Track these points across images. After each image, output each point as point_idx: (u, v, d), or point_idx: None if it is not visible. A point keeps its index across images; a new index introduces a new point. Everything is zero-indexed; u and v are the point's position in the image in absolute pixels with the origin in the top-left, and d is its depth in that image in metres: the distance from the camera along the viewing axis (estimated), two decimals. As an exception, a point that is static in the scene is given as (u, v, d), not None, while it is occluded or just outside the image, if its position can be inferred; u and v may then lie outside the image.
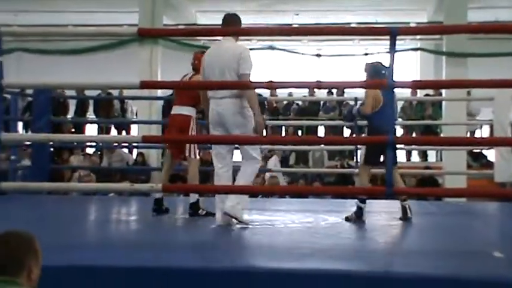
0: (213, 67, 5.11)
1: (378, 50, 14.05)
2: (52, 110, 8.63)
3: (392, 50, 4.20)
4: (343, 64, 16.03)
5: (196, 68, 5.83)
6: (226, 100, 5.07)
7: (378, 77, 5.54)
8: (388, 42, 4.18)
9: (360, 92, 9.68)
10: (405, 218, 5.58)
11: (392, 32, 4.16)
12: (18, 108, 9.61)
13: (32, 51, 13.38)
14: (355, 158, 9.39)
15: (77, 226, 5.27)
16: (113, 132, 13.12)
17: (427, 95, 12.34)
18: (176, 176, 11.24)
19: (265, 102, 13.08)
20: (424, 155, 13.23)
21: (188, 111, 5.86)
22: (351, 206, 6.74)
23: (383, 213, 6.37)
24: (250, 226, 5.00)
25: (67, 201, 7.46)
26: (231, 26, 5.15)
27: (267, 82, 5.06)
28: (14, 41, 12.16)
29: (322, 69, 16.47)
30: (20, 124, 10.55)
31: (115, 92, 12.20)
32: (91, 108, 13.44)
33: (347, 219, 5.58)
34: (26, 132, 10.82)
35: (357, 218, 5.56)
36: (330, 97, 12.63)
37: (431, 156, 13.43)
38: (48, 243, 2.53)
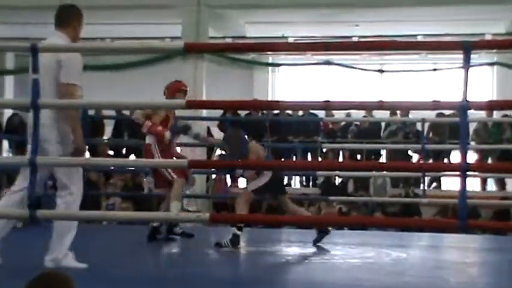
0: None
1: (448, 65, 13.98)
2: (88, 131, 8.84)
3: (466, 66, 4.18)
4: (409, 81, 15.95)
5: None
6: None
7: None
8: (460, 56, 4.16)
9: (428, 113, 9.71)
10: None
11: (466, 47, 4.15)
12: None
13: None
14: (421, 185, 9.30)
15: (115, 258, 5.39)
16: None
17: (505, 115, 12.15)
18: (223, 204, 11.37)
19: (321, 123, 13.12)
20: (501, 184, 13.01)
21: (148, 139, 6.48)
22: (417, 240, 6.72)
23: (455, 249, 6.31)
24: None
25: (102, 230, 7.61)
26: (66, 23, 4.74)
27: (324, 102, 5.10)
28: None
29: (384, 87, 16.42)
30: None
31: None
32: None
33: (219, 245, 5.81)
34: (60, 155, 11.08)
35: (233, 245, 5.78)
36: (393, 118, 12.57)
37: (510, 184, 13.19)
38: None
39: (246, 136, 6.51)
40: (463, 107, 4.18)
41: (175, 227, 6.45)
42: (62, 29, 4.70)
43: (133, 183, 11.74)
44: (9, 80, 16.19)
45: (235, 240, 5.77)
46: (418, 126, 11.36)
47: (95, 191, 10.70)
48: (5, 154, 13.22)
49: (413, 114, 11.60)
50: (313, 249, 5.81)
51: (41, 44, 4.66)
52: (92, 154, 11.59)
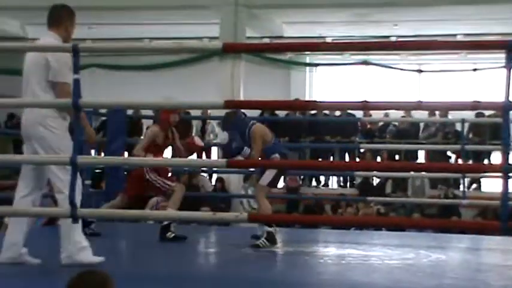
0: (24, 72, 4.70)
1: (488, 65, 13.79)
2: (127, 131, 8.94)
3: (509, 65, 4.13)
4: (448, 81, 15.78)
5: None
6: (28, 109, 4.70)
7: None
8: (501, 55, 4.11)
9: (468, 114, 9.59)
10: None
11: (509, 46, 4.09)
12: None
13: (106, 67, 13.90)
14: (461, 187, 9.20)
15: (152, 257, 5.43)
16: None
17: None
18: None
19: (358, 124, 13.06)
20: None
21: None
22: (457, 241, 6.64)
23: (495, 251, 6.23)
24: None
25: (141, 228, 7.68)
26: (58, 23, 4.72)
27: (362, 103, 5.06)
28: (89, 56, 12.68)
29: (423, 87, 16.27)
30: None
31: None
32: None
33: (256, 246, 5.79)
34: (99, 154, 11.21)
35: (271, 243, 5.78)
36: (432, 118, 12.46)
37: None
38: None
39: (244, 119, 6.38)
40: (505, 107, 4.13)
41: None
42: (54, 29, 4.70)
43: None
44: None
45: (271, 238, 5.77)
46: (458, 126, 11.24)
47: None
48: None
49: (453, 115, 11.48)
50: (351, 250, 5.78)
51: (34, 44, 4.69)
52: (130, 154, 11.70)
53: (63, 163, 4.56)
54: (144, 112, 10.68)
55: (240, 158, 5.97)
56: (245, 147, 6.00)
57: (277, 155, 6.00)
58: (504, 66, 4.15)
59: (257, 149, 5.98)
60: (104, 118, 10.37)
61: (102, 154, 10.76)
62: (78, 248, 4.50)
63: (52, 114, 4.56)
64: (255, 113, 12.24)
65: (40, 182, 4.67)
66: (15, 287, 3.93)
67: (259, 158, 5.99)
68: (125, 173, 8.93)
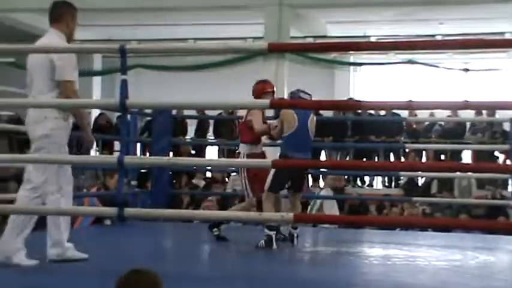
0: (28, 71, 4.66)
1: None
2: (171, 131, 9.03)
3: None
4: (495, 79, 15.55)
5: None
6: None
7: None
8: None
9: (516, 112, 9.44)
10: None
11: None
12: (137, 129, 10.10)
13: (151, 68, 14.04)
14: (509, 187, 9.05)
15: (198, 257, 5.47)
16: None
17: None
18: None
19: (403, 123, 12.94)
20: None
21: (241, 148, 6.25)
22: (505, 243, 6.55)
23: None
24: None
25: (186, 229, 7.74)
26: (59, 19, 4.66)
27: (407, 102, 5.02)
28: (134, 57, 12.83)
29: (470, 86, 16.06)
30: (138, 145, 11.05)
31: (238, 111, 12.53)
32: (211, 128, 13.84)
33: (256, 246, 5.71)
34: (144, 154, 11.34)
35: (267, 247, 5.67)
36: (478, 118, 12.29)
37: None
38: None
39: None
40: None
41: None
42: (56, 26, 4.68)
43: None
44: (96, 81, 16.67)
45: (268, 242, 5.68)
46: (506, 126, 11.07)
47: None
48: (93, 153, 13.61)
49: (501, 114, 11.31)
50: (396, 251, 5.75)
51: (38, 43, 4.69)
52: (175, 154, 11.81)
53: (110, 163, 4.63)
54: (187, 112, 10.76)
55: None
56: (275, 120, 6.02)
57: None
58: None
59: (279, 128, 5.91)
60: (149, 118, 10.49)
61: (148, 154, 10.91)
62: (65, 245, 4.50)
63: (53, 115, 4.49)
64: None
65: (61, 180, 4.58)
66: (64, 283, 4.00)
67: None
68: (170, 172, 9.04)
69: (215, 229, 6.16)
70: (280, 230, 6.05)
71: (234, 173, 11.59)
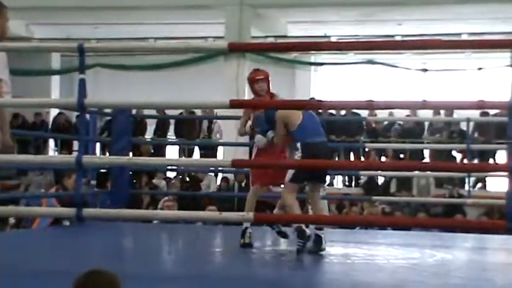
0: None
1: (494, 63, 13.77)
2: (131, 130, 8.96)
3: (514, 64, 4.13)
4: (453, 80, 15.77)
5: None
6: None
7: None
8: (506, 54, 4.12)
9: (473, 113, 9.58)
10: (319, 249, 5.42)
11: (514, 45, 4.09)
12: (96, 128, 10.02)
13: (111, 67, 13.92)
14: (466, 186, 9.19)
15: (159, 257, 5.44)
16: (197, 154, 13.42)
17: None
18: (265, 203, 11.37)
19: (363, 123, 13.05)
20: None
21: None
22: (462, 241, 6.64)
23: (501, 251, 6.22)
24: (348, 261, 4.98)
25: (146, 229, 7.69)
26: None
27: (367, 102, 5.06)
28: (93, 56, 12.71)
29: (428, 86, 16.25)
30: (98, 145, 10.95)
31: (198, 111, 12.49)
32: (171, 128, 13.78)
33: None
34: (104, 154, 11.23)
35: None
36: (437, 117, 12.45)
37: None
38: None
39: None
40: (511, 106, 4.13)
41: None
42: None
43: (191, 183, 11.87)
44: (55, 80, 16.47)
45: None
46: (463, 125, 11.23)
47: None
48: (51, 153, 13.46)
49: (458, 114, 11.47)
50: (356, 250, 5.78)
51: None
52: (135, 153, 11.73)
53: (69, 163, 4.58)
54: (147, 112, 10.69)
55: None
56: (269, 131, 5.79)
57: (298, 145, 5.53)
58: (510, 65, 4.16)
59: (279, 133, 5.70)
60: (108, 118, 10.40)
61: (107, 154, 10.81)
62: None
63: None
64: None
65: None
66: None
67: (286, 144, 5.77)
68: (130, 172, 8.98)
69: (242, 239, 5.90)
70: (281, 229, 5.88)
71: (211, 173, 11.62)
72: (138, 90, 14.87)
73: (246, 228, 5.81)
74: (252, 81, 6.13)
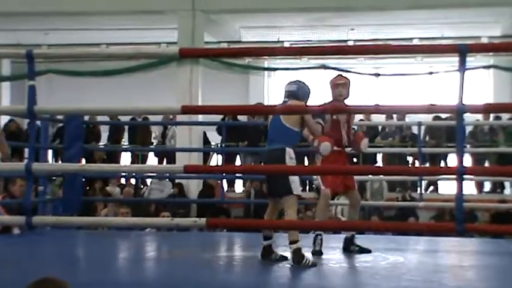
0: None
1: (444, 68, 13.99)
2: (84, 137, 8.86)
3: (462, 69, 4.20)
4: (405, 84, 15.98)
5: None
6: None
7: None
8: (457, 59, 4.18)
9: (424, 117, 9.72)
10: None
11: (462, 50, 4.16)
12: (48, 135, 9.87)
13: (63, 73, 13.75)
14: (418, 189, 9.31)
15: (110, 265, 5.38)
16: (151, 160, 13.34)
17: (497, 117, 12.18)
18: (220, 209, 11.36)
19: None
20: (500, 187, 13.02)
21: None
22: (415, 244, 6.72)
23: (452, 253, 6.31)
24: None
25: (99, 236, 7.61)
26: None
27: (321, 106, 5.10)
28: (45, 62, 12.53)
29: (381, 90, 16.44)
30: (50, 152, 10.81)
31: (152, 117, 12.41)
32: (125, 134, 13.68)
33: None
34: (56, 161, 11.09)
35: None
36: (389, 122, 12.60)
37: (509, 188, 13.21)
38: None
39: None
40: (460, 110, 4.20)
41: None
42: None
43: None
44: (5, 87, 16.19)
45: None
46: (414, 129, 11.38)
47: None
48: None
49: (410, 118, 11.62)
50: (309, 254, 5.80)
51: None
52: (88, 160, 11.61)
53: (19, 171, 4.51)
54: (100, 118, 10.59)
55: None
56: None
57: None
58: (457, 70, 4.23)
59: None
60: (60, 125, 10.27)
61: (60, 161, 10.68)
62: None
63: None
64: (215, 117, 12.26)
65: None
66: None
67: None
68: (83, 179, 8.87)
69: (352, 246, 5.93)
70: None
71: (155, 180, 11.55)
72: (93, 96, 14.70)
73: (318, 235, 5.81)
74: (332, 86, 6.18)
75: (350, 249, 5.94)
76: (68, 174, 7.93)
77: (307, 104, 5.55)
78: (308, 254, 5.27)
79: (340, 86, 6.15)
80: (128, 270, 5.32)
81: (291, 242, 5.07)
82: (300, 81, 5.66)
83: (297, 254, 5.05)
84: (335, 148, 5.85)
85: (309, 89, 5.64)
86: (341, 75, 6.38)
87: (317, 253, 5.72)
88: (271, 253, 5.34)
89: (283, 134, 5.39)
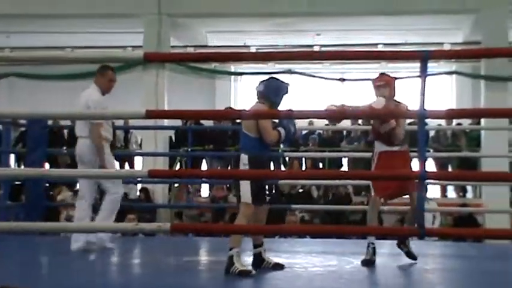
0: None
1: (408, 73, 14.13)
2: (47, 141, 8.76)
3: (424, 75, 4.25)
4: (369, 89, 16.07)
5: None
6: None
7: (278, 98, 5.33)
8: (419, 64, 4.22)
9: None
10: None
11: (424, 57, 4.21)
12: (10, 139, 9.74)
13: (25, 76, 13.57)
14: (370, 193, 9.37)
15: (70, 271, 5.32)
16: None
17: (459, 123, 12.34)
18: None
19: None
20: (462, 191, 13.18)
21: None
22: (379, 247, 6.75)
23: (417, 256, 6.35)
24: None
25: (61, 242, 7.51)
26: None
27: (287, 111, 5.09)
28: (6, 65, 12.36)
29: (346, 95, 16.54)
30: (12, 157, 10.66)
31: (116, 121, 12.33)
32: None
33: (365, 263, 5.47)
34: (19, 165, 10.94)
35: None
36: (355, 126, 12.67)
37: (471, 191, 13.38)
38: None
39: None
40: (421, 115, 4.24)
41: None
42: None
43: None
44: None
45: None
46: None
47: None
48: None
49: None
50: (274, 259, 5.80)
51: None
52: (52, 165, 11.48)
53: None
54: (64, 122, 10.47)
55: None
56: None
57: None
58: (419, 76, 4.27)
59: None
60: (23, 129, 10.14)
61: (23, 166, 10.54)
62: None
63: None
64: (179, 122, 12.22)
65: None
66: None
67: None
68: (47, 184, 8.76)
69: (403, 246, 5.79)
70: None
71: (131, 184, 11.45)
72: (58, 100, 14.52)
73: (369, 244, 5.64)
74: (374, 88, 6.03)
75: (401, 247, 5.80)
76: (30, 179, 7.84)
77: (280, 100, 5.41)
78: (249, 259, 5.18)
79: (381, 87, 5.98)
80: (89, 276, 5.26)
81: (229, 248, 4.98)
82: (268, 79, 5.46)
83: (228, 261, 4.92)
84: (387, 148, 5.82)
85: (278, 86, 5.40)
86: (382, 74, 6.12)
87: (366, 263, 5.50)
88: (262, 261, 5.23)
89: (242, 140, 5.36)
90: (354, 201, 12.12)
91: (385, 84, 5.94)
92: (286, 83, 5.42)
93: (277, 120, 5.38)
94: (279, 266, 5.20)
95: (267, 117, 5.30)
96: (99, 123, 6.19)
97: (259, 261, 5.21)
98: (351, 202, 11.85)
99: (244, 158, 5.19)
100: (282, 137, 5.31)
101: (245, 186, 5.07)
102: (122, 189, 6.48)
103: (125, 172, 5.89)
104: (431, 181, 7.51)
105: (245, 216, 5.07)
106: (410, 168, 5.77)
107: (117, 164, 13.19)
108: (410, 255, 5.75)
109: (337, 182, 10.78)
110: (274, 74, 14.81)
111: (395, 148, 5.81)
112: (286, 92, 5.40)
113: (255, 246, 5.27)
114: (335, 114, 6.76)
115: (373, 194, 5.87)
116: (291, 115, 5.53)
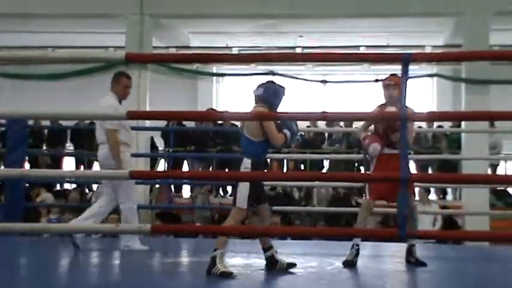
0: None
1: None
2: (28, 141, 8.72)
3: (405, 77, 4.26)
4: (352, 91, 16.15)
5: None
6: None
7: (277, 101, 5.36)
8: (401, 67, 4.23)
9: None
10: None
11: (405, 59, 4.22)
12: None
13: (6, 76, 13.47)
14: (364, 196, 9.40)
15: (52, 274, 5.29)
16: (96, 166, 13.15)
17: (439, 126, 12.42)
18: (169, 214, 11.28)
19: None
20: (442, 193, 13.25)
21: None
22: (360, 249, 6.77)
23: (394, 257, 6.38)
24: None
25: (41, 243, 7.47)
26: None
27: (268, 113, 5.09)
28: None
29: (328, 97, 16.59)
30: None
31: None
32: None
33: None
34: (-1, 166, 10.86)
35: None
36: (336, 128, 12.70)
37: (451, 194, 13.46)
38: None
39: None
40: (402, 117, 4.26)
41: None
42: None
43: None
44: None
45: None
46: (361, 136, 11.48)
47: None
48: None
49: (357, 124, 11.72)
50: (256, 260, 5.81)
51: None
52: (33, 165, 11.41)
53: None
54: (45, 122, 10.43)
55: None
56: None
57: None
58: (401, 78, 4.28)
59: None
60: (2, 129, 10.07)
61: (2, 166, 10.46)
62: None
63: None
64: (161, 123, 12.17)
65: None
66: None
67: None
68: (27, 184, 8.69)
69: (411, 258, 5.77)
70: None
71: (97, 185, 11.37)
72: (37, 99, 14.42)
73: (354, 245, 5.68)
74: (383, 87, 5.96)
75: (409, 259, 5.78)
76: (9, 180, 7.79)
77: (279, 102, 5.43)
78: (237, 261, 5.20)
79: (391, 87, 5.91)
80: (70, 277, 5.24)
81: (214, 249, 4.99)
82: (267, 83, 5.47)
83: (211, 262, 4.92)
84: (387, 151, 5.81)
85: (277, 89, 5.41)
86: (393, 74, 6.04)
87: (348, 264, 5.54)
88: (276, 263, 5.25)
89: (245, 145, 5.37)
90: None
91: (394, 84, 5.85)
92: (283, 87, 5.46)
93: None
94: (292, 265, 5.26)
95: (269, 119, 5.28)
96: (115, 128, 6.31)
97: (273, 263, 5.25)
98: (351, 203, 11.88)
99: (247, 162, 5.24)
100: (288, 138, 5.38)
101: (244, 190, 5.14)
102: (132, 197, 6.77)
103: (106, 173, 5.85)
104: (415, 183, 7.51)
105: (235, 220, 5.13)
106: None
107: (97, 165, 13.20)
108: (419, 263, 5.74)
109: (317, 183, 10.82)
110: (256, 76, 14.87)
111: (396, 151, 5.79)
112: (284, 95, 5.44)
113: (265, 250, 5.31)
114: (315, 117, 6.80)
115: (368, 196, 5.89)
116: (273, 117, 5.54)
